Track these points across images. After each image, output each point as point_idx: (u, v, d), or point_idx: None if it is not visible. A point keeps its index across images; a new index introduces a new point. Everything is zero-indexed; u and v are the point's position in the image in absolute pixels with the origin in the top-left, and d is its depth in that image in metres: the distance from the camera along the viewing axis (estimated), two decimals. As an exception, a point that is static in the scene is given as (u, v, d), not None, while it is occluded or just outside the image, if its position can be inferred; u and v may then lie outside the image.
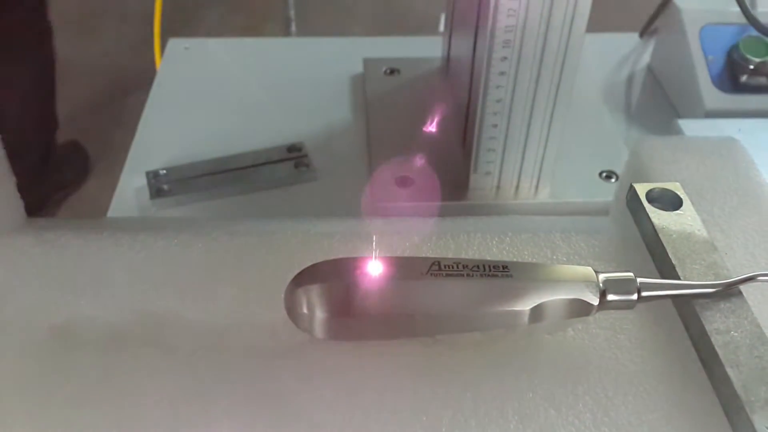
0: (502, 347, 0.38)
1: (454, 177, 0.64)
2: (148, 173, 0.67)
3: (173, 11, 1.06)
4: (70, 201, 1.69)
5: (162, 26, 1.14)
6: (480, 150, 0.60)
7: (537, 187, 0.63)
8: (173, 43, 0.87)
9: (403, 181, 0.64)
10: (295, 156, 0.70)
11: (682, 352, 0.38)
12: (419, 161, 0.65)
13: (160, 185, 0.66)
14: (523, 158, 0.61)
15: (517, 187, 0.63)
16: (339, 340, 0.38)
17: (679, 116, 0.76)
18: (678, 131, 0.67)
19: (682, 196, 0.44)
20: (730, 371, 0.35)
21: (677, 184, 0.45)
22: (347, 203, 0.65)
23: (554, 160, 0.61)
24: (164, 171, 0.68)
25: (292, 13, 1.39)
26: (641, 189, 0.45)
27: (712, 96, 0.73)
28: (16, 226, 0.46)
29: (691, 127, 0.67)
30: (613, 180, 0.65)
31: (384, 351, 0.38)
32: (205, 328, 0.39)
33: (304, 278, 0.38)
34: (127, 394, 0.37)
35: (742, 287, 0.39)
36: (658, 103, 0.80)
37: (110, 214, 0.65)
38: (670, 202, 0.44)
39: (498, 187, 0.63)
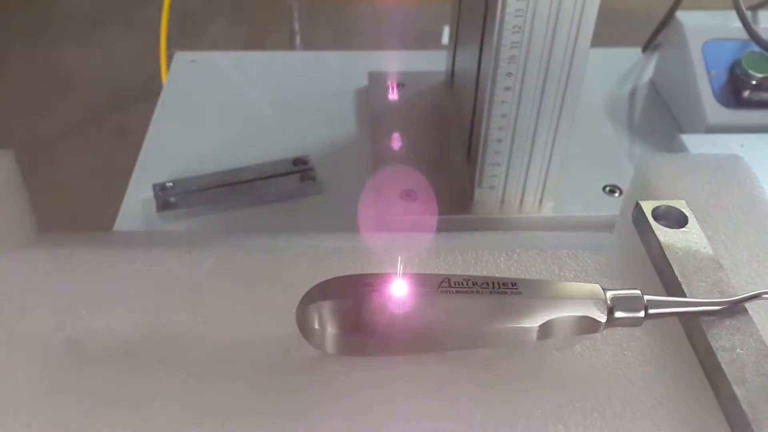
0: (510, 363, 0.39)
1: (459, 191, 0.65)
2: (154, 186, 0.68)
3: (177, 22, 1.07)
4: (76, 212, 1.69)
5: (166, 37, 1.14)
6: (484, 164, 0.60)
7: (541, 201, 0.63)
8: (179, 56, 0.88)
9: (408, 195, 0.64)
10: (300, 169, 0.70)
11: (688, 369, 0.39)
12: (424, 175, 0.66)
13: (166, 198, 0.67)
14: (527, 173, 0.61)
15: (522, 201, 0.63)
16: (350, 355, 0.39)
17: (682, 131, 0.76)
18: (681, 146, 0.68)
19: (687, 214, 0.45)
20: (736, 389, 0.35)
21: (683, 201, 0.46)
22: (352, 216, 0.65)
23: (559, 175, 0.61)
24: (171, 183, 0.68)
25: (297, 25, 1.39)
26: (647, 206, 0.45)
27: (714, 111, 0.73)
28: (30, 241, 0.47)
29: (694, 142, 0.68)
30: (616, 194, 0.65)
31: (394, 367, 0.38)
32: (218, 343, 0.40)
33: (315, 294, 0.38)
34: (140, 408, 0.37)
35: (747, 305, 0.39)
36: (660, 118, 0.80)
37: (117, 225, 0.66)
38: (676, 219, 0.45)
39: (502, 202, 0.63)
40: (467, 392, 0.37)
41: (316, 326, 0.37)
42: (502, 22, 0.52)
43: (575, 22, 0.53)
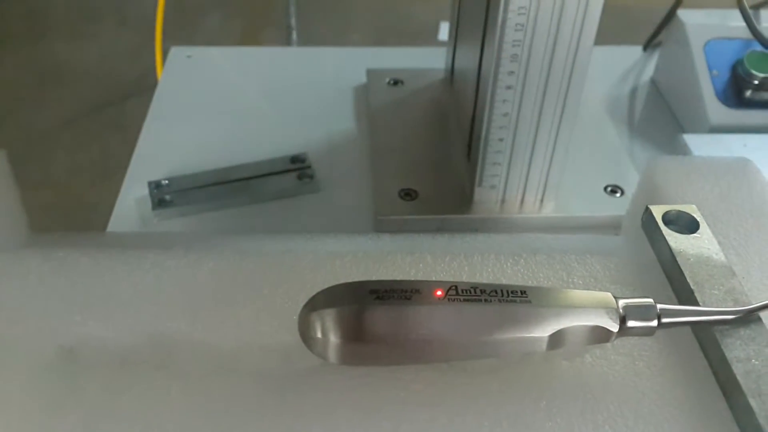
0: (519, 374, 0.38)
1: (459, 190, 0.64)
2: (150, 183, 0.66)
3: (172, 15, 1.06)
4: (71, 208, 1.67)
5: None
6: (485, 163, 0.60)
7: (542, 201, 0.63)
8: (175, 51, 0.86)
9: (407, 194, 0.63)
10: (298, 167, 0.69)
11: (701, 380, 0.38)
12: (423, 174, 0.65)
13: (162, 195, 0.65)
14: (528, 172, 0.60)
15: (522, 201, 0.63)
16: (354, 365, 0.38)
17: (683, 131, 0.76)
18: (683, 146, 0.67)
19: (698, 219, 0.44)
20: (752, 401, 0.34)
21: (693, 206, 0.45)
22: (351, 215, 0.64)
23: (560, 175, 0.61)
24: (166, 181, 0.67)
25: (293, 20, 1.38)
26: (657, 211, 0.44)
27: (716, 111, 0.72)
28: (22, 242, 0.46)
29: (696, 142, 0.67)
30: (618, 195, 0.64)
31: (399, 377, 0.37)
32: (217, 351, 0.39)
33: (318, 302, 0.37)
34: (136, 418, 0.36)
35: (761, 313, 0.38)
36: (661, 117, 0.79)
37: (111, 223, 0.65)
38: (687, 224, 0.44)
39: (503, 201, 0.63)
40: (474, 404, 0.36)
41: (319, 335, 0.36)
42: (504, 19, 0.51)
43: (579, 20, 0.52)
